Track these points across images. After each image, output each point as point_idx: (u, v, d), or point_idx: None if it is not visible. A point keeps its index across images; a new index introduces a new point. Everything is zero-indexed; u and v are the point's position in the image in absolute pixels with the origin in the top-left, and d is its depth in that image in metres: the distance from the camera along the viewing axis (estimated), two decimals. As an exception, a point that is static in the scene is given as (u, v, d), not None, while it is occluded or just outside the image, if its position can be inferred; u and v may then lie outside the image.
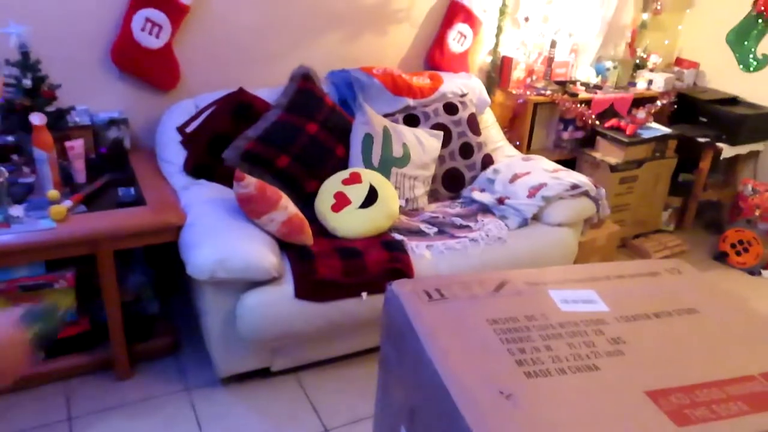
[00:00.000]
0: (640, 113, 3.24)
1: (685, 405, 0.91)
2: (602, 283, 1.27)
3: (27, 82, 2.05)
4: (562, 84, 3.28)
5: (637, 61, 3.54)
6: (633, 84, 3.47)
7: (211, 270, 1.86)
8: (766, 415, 0.89)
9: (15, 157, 2.16)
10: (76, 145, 2.11)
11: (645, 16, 3.54)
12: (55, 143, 2.04)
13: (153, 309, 2.35)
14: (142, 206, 2.06)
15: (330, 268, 2.05)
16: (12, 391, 2.07)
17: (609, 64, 3.40)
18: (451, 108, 2.77)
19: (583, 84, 3.34)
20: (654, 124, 3.33)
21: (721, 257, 3.31)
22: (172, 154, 2.37)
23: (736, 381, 0.96)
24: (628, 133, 3.16)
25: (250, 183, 2.00)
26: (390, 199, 2.33)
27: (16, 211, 1.88)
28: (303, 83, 2.50)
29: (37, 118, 1.94)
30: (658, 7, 3.53)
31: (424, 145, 2.60)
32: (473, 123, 2.82)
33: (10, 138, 2.14)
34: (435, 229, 2.40)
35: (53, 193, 1.95)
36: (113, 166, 2.31)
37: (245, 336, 1.98)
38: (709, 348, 1.05)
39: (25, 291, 1.97)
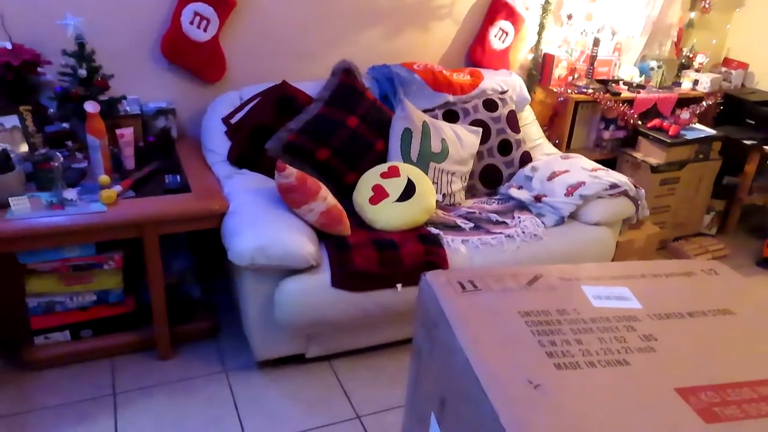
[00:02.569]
0: (684, 114, 3.19)
1: (715, 403, 0.92)
2: (637, 281, 1.27)
3: (82, 72, 2.14)
4: (605, 83, 3.24)
5: (683, 60, 3.48)
6: (678, 84, 3.41)
7: (251, 257, 1.92)
8: (796, 416, 0.89)
9: (69, 143, 2.26)
10: (126, 133, 2.19)
11: (692, 14, 3.47)
12: (106, 131, 2.12)
13: (195, 293, 2.43)
14: (187, 193, 2.14)
15: (366, 258, 2.09)
16: (63, 365, 2.18)
17: (653, 63, 3.35)
18: (490, 105, 2.78)
19: (625, 83, 3.30)
20: (698, 125, 3.27)
21: (764, 263, 3.24)
22: (217, 143, 2.44)
23: (768, 382, 0.96)
24: (671, 133, 3.12)
25: (291, 173, 2.05)
26: (427, 194, 2.35)
27: (70, 194, 1.97)
28: (345, 77, 2.55)
29: (91, 106, 2.03)
30: (707, 6, 3.46)
31: (462, 140, 2.61)
32: (512, 120, 2.83)
33: (65, 125, 2.24)
34: (471, 225, 2.42)
35: (104, 178, 2.04)
36: (160, 154, 2.39)
37: (282, 322, 2.04)
38: (743, 349, 1.05)
39: (76, 270, 2.07)
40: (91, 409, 2.01)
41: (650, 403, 0.91)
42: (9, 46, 2.13)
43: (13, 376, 2.13)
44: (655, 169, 3.11)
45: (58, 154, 2.04)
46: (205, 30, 2.44)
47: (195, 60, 2.50)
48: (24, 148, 2.11)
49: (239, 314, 2.29)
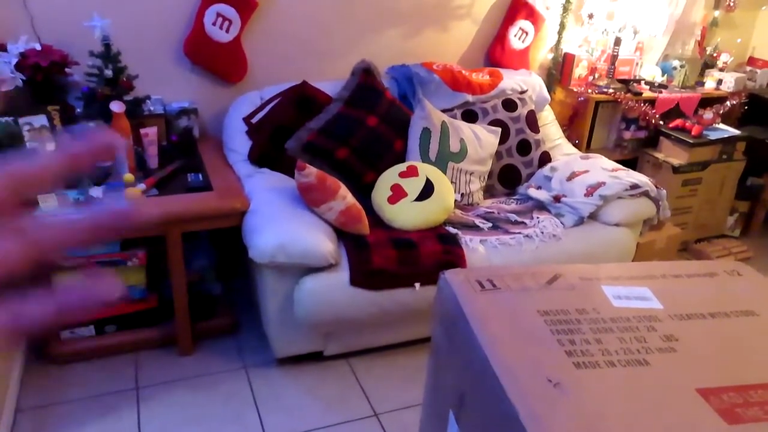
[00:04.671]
0: (707, 113, 3.16)
1: (738, 404, 0.91)
2: (658, 281, 1.27)
3: (108, 73, 2.19)
4: (626, 82, 3.22)
5: (706, 60, 3.44)
6: (701, 84, 3.38)
7: (271, 254, 1.94)
8: (820, 417, 0.89)
9: (94, 142, 2.29)
10: (150, 133, 2.23)
11: (716, 13, 3.43)
12: (131, 130, 2.16)
13: (216, 290, 2.46)
14: (209, 191, 2.17)
15: (385, 257, 2.11)
16: (87, 359, 2.22)
17: (676, 62, 3.32)
18: (509, 104, 2.78)
19: (647, 83, 3.28)
20: (722, 126, 3.23)
21: (788, 265, 3.19)
22: (238, 143, 2.47)
23: (791, 383, 0.95)
24: (693, 133, 3.08)
25: (311, 173, 2.07)
26: (446, 193, 2.36)
27: (96, 192, 2.01)
28: (364, 77, 2.56)
29: (116, 106, 2.07)
30: (731, 4, 3.42)
31: (481, 140, 2.61)
32: (532, 120, 2.82)
33: (91, 124, 2.28)
34: (489, 224, 2.42)
35: (129, 176, 2.08)
36: (183, 154, 2.42)
37: (301, 319, 2.06)
38: (766, 350, 1.04)
39: (100, 266, 2.11)
40: (114, 403, 2.05)
41: (670, 403, 0.91)
42: (38, 47, 2.17)
43: (40, 369, 2.17)
44: (677, 170, 3.09)
45: (83, 152, 2.08)
46: (227, 31, 2.47)
47: (217, 61, 2.53)
48: (52, 147, 2.16)
49: (259, 312, 2.31)
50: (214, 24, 2.44)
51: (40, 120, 2.12)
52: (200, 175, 2.24)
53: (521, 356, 1.00)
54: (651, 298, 1.19)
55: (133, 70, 2.30)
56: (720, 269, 1.34)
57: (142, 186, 2.08)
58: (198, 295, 2.38)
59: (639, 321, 1.11)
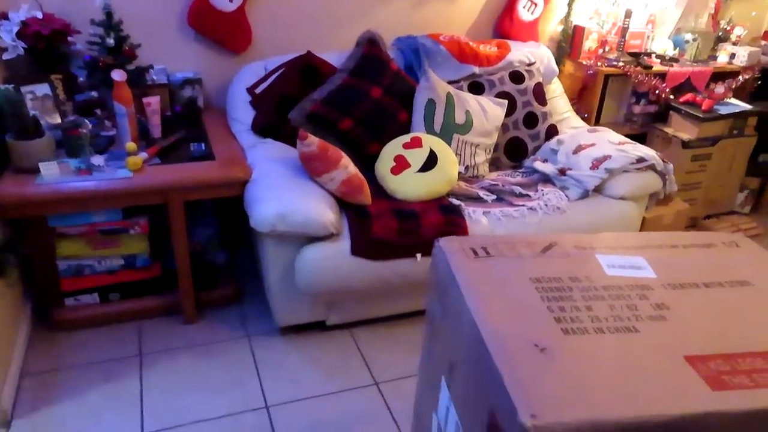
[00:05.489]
0: (719, 88, 3.10)
1: (724, 371, 0.91)
2: (654, 251, 1.26)
3: (110, 41, 2.18)
4: (636, 56, 3.16)
5: (720, 33, 3.36)
6: (713, 58, 3.31)
7: (272, 223, 1.95)
8: (807, 386, 0.88)
9: (98, 111, 2.30)
10: (153, 102, 2.23)
11: (732, -15, 3.35)
12: (134, 100, 2.16)
13: (219, 260, 2.48)
14: (211, 161, 2.17)
15: (386, 228, 2.11)
16: (91, 326, 2.25)
17: (688, 36, 3.25)
18: (517, 77, 2.74)
19: (658, 56, 3.22)
20: (733, 100, 3.17)
21: (797, 242, 3.16)
22: (242, 113, 2.47)
23: (781, 352, 0.95)
24: (703, 108, 3.03)
25: (313, 142, 2.06)
26: (449, 165, 2.35)
27: (97, 160, 2.02)
28: (369, 48, 2.54)
29: (118, 75, 2.07)
30: (747, -24, 3.33)
31: (487, 113, 2.59)
32: (539, 93, 2.78)
33: (94, 93, 2.29)
34: (493, 197, 2.40)
35: (131, 145, 2.08)
36: (187, 124, 2.42)
37: (303, 288, 2.07)
38: (758, 320, 1.03)
39: (103, 234, 2.13)
40: (118, 369, 2.08)
41: (656, 369, 0.90)
42: (39, 16, 2.17)
43: (46, 335, 2.21)
44: (686, 145, 3.04)
45: (86, 121, 2.09)
46: (231, 0, 2.45)
47: (221, 30, 2.52)
48: (55, 115, 2.17)
49: (262, 281, 2.33)
50: (217, -8, 2.42)
51: (42, 89, 2.13)
52: (203, 145, 2.24)
53: (509, 322, 1.00)
54: (645, 267, 1.19)
55: (136, 40, 2.29)
56: (718, 240, 1.33)
57: (144, 155, 2.08)
58: (202, 264, 2.39)
59: (631, 289, 1.11)
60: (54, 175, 1.95)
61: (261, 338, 2.28)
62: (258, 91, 2.47)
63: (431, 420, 1.28)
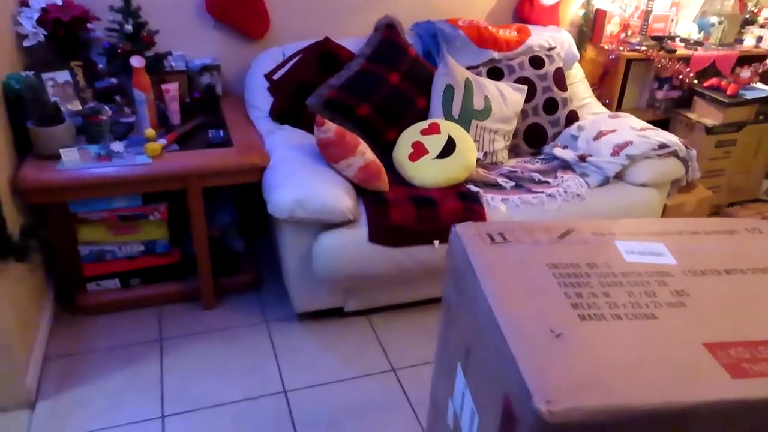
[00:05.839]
0: (745, 72, 3.03)
1: (745, 359, 0.89)
2: (674, 237, 1.24)
3: (128, 28, 2.19)
4: (660, 39, 3.10)
5: (747, 16, 3.28)
6: (740, 41, 3.23)
7: (290, 209, 1.95)
8: (830, 374, 0.86)
9: (117, 98, 2.32)
10: (172, 88, 2.24)
11: (760, -34, 3.26)
12: (152, 86, 2.17)
13: (238, 247, 2.50)
14: (229, 147, 2.18)
15: (404, 214, 2.10)
16: (113, 311, 2.29)
17: (714, 19, 3.17)
18: (537, 62, 2.71)
19: (682, 40, 3.15)
20: (760, 85, 3.10)
21: (825, 230, 3.08)
22: (260, 100, 2.47)
23: (804, 340, 0.93)
24: (728, 93, 2.97)
25: (330, 128, 2.06)
26: (467, 151, 2.33)
27: (117, 147, 2.04)
28: (387, 33, 2.52)
29: (136, 61, 2.08)
30: (776, -43, 3.24)
31: (506, 98, 2.56)
32: (559, 78, 2.75)
33: (113, 80, 2.31)
34: (512, 183, 2.38)
35: (150, 131, 2.10)
36: (205, 110, 2.43)
37: (320, 275, 2.07)
38: (780, 307, 1.01)
39: (123, 220, 2.15)
40: (139, 353, 2.12)
41: (674, 356, 0.89)
42: (59, 2, 2.19)
43: (68, 320, 2.25)
44: (710, 131, 2.98)
45: (106, 108, 2.11)
46: (248, -15, 2.45)
47: (239, 16, 2.52)
48: (75, 102, 2.19)
49: (280, 268, 2.34)
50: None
51: (63, 76, 2.15)
52: (221, 131, 2.25)
53: (525, 307, 1.00)
54: (665, 254, 1.17)
55: (155, 26, 2.30)
56: (741, 227, 1.30)
57: (163, 141, 2.10)
58: (221, 251, 2.41)
59: (650, 276, 1.09)
60: (75, 161, 1.97)
61: (279, 324, 2.29)
62: (276, 77, 2.47)
63: (447, 407, 1.28)
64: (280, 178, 2.05)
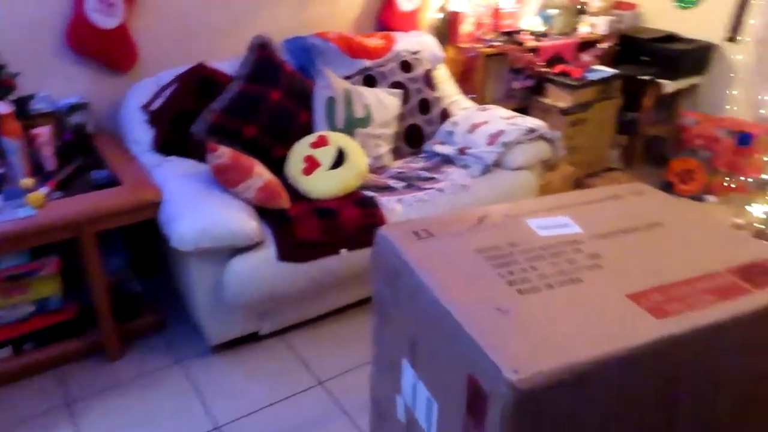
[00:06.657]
0: (586, 57, 3.37)
1: (662, 301, 1.03)
2: (572, 209, 1.37)
3: (-17, 73, 2.02)
4: (510, 34, 3.37)
5: (579, 6, 3.65)
6: (577, 30, 3.59)
7: (195, 240, 1.91)
8: (732, 302, 1.02)
9: (-22, 150, 2.13)
10: (43, 133, 2.09)
11: (582, -38, 3.64)
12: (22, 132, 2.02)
13: (136, 288, 2.38)
14: (117, 186, 2.07)
15: (308, 229, 2.12)
16: (8, 382, 2.08)
17: (553, 11, 3.50)
18: (406, 66, 2.84)
19: (532, 33, 3.44)
20: (600, 67, 3.46)
21: (669, 186, 3.51)
22: (140, 133, 2.37)
23: (705, 278, 1.09)
24: (575, 76, 3.29)
25: (224, 153, 2.03)
26: (358, 159, 2.40)
27: (-7, 202, 1.88)
28: (261, 52, 2.52)
29: (2, 107, 1.92)
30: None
31: (384, 104, 2.66)
32: (429, 79, 2.90)
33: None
34: (403, 184, 2.48)
35: (28, 181, 1.95)
36: (79, 151, 2.29)
37: (233, 302, 2.04)
38: (678, 253, 1.17)
39: (10, 281, 1.98)
40: (47, 424, 1.94)
41: (607, 310, 1.01)
42: None
43: (-45, 400, 2.02)
44: (564, 112, 3.29)
45: (-30, 162, 1.93)
46: (110, 15, 2.34)
47: (104, 49, 2.39)
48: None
49: (185, 304, 2.26)
50: (95, 10, 2.30)
51: None
52: (105, 171, 2.14)
53: (469, 292, 1.07)
54: (571, 225, 1.30)
55: (14, 68, 2.13)
56: (624, 191, 1.48)
57: (44, 189, 1.96)
58: (118, 296, 2.28)
59: (565, 245, 1.21)
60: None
61: (194, 361, 2.22)
62: (153, 108, 2.38)
63: (395, 404, 1.33)
64: (179, 210, 1.99)
